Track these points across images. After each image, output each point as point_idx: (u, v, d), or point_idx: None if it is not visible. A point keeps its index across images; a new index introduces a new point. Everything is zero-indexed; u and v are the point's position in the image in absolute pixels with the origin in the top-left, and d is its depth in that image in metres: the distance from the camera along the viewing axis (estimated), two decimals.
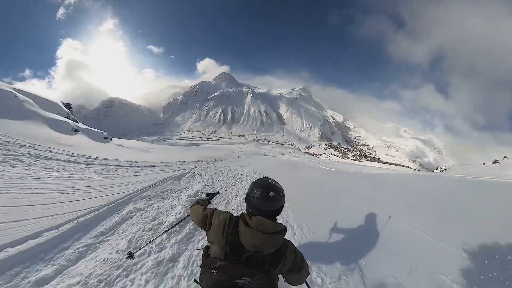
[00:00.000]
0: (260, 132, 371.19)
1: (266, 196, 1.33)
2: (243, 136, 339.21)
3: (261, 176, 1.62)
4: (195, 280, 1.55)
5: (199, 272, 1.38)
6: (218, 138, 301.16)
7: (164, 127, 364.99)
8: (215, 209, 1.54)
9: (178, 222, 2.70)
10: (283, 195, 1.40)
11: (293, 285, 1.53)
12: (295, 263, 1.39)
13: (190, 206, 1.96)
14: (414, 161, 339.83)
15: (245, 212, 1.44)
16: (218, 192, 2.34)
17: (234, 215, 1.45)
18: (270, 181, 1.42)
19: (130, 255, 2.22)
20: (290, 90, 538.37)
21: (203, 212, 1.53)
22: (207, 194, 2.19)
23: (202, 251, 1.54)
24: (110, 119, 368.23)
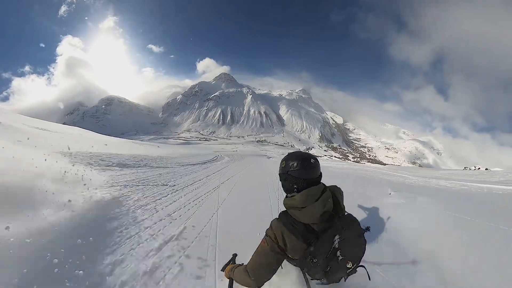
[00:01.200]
0: (259, 133, 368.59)
1: (308, 164, 1.30)
2: (243, 137, 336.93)
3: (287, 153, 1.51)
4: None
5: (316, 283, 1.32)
6: (216, 139, 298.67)
7: (162, 126, 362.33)
8: (266, 238, 1.32)
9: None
10: (318, 161, 1.38)
11: None
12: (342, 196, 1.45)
13: (232, 275, 1.51)
14: (414, 163, 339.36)
15: (285, 201, 1.34)
16: (235, 254, 1.91)
17: (277, 222, 1.30)
18: (301, 151, 1.42)
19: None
20: (290, 91, 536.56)
21: (261, 249, 1.31)
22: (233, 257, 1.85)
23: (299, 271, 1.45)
24: (109, 117, 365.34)
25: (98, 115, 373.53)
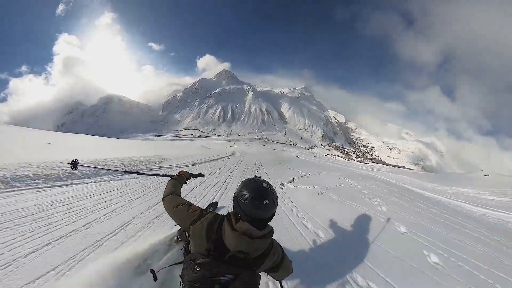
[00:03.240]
0: (261, 131, 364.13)
1: (259, 204, 1.17)
2: (243, 134, 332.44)
3: (253, 176, 1.48)
4: (151, 271, 1.43)
5: (181, 268, 1.25)
6: (212, 136, 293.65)
7: (162, 124, 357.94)
8: (201, 209, 1.39)
9: (146, 174, 2.22)
10: (277, 202, 1.24)
11: (276, 280, 1.51)
12: (275, 262, 1.34)
13: (165, 191, 1.57)
14: (417, 164, 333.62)
15: (232, 212, 1.27)
16: (202, 175, 2.05)
17: (219, 215, 1.33)
18: (264, 184, 1.23)
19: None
20: (292, 89, 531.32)
21: (189, 211, 1.36)
22: (191, 175, 1.94)
23: (181, 244, 1.42)
24: (108, 115, 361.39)
25: (97, 114, 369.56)
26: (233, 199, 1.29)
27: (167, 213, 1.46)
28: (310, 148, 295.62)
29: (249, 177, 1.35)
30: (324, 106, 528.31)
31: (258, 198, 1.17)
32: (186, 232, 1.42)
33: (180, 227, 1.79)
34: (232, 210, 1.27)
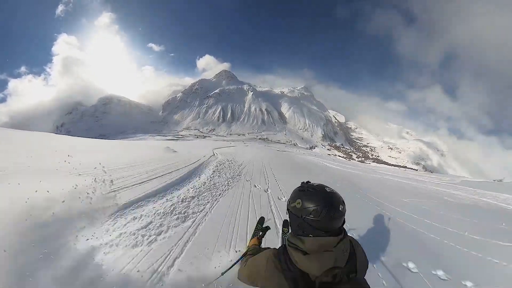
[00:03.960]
0: (261, 131, 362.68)
1: (336, 212, 0.97)
2: (243, 134, 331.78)
3: (305, 182, 1.12)
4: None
5: None
6: (210, 136, 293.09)
7: (162, 125, 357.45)
8: (249, 255, 1.29)
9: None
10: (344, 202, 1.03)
11: None
12: (363, 253, 1.13)
13: (243, 263, 1.35)
14: (418, 164, 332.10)
15: (292, 236, 1.06)
16: (268, 228, 1.89)
17: (277, 248, 1.13)
18: (327, 189, 1.02)
19: None
20: (292, 88, 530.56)
21: (246, 268, 1.19)
22: (259, 230, 1.82)
23: None
24: (108, 116, 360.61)
25: (97, 114, 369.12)
26: (291, 218, 1.08)
27: None
28: (311, 148, 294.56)
29: (297, 186, 1.09)
30: (324, 106, 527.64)
31: (332, 207, 0.97)
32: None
33: None
34: (286, 236, 1.09)
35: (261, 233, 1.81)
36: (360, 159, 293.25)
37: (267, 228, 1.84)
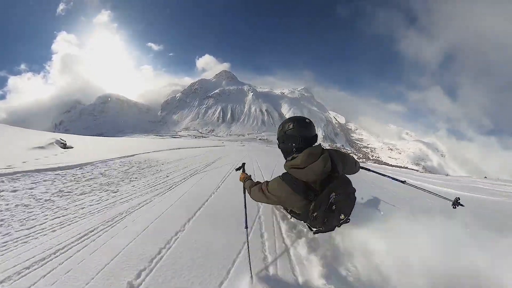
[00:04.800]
0: (261, 132, 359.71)
1: (303, 122, 1.54)
2: (243, 135, 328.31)
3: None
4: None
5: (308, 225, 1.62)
6: (208, 136, 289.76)
7: (161, 125, 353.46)
8: (266, 182, 1.65)
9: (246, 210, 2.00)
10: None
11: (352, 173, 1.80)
12: (342, 155, 1.66)
13: (247, 189, 1.91)
14: (418, 164, 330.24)
15: (285, 163, 1.56)
16: (244, 164, 2.46)
17: (281, 175, 1.54)
18: (298, 115, 1.95)
19: None
20: (292, 89, 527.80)
21: (262, 190, 1.64)
22: (238, 169, 2.43)
23: (288, 217, 1.79)
24: (106, 115, 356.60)
25: (95, 113, 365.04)
26: (279, 141, 1.65)
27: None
28: None
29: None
30: (324, 107, 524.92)
31: (300, 120, 1.56)
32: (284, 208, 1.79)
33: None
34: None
35: (241, 168, 2.41)
36: (361, 160, 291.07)
37: (243, 164, 2.44)
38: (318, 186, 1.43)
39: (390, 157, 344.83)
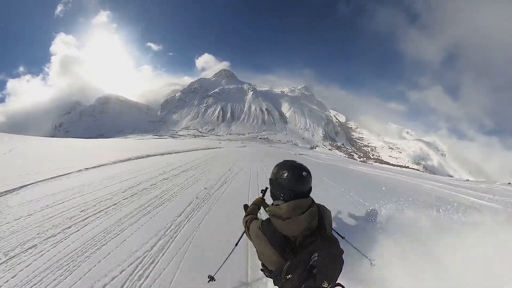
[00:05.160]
0: (261, 131, 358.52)
1: (300, 176, 1.31)
2: (243, 134, 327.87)
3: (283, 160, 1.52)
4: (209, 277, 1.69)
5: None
6: (207, 135, 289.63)
7: (161, 124, 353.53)
8: (251, 219, 1.53)
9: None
10: (311, 175, 1.37)
11: None
12: (330, 215, 1.44)
13: (246, 221, 1.63)
14: (418, 164, 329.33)
15: (270, 208, 1.36)
16: (267, 188, 2.17)
17: (261, 220, 1.41)
18: (297, 162, 1.37)
19: None
20: (292, 88, 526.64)
21: (246, 227, 1.52)
22: (261, 191, 2.24)
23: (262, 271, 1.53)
24: (106, 115, 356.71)
25: (95, 114, 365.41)
26: (270, 185, 1.44)
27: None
28: (312, 148, 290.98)
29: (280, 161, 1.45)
30: (324, 105, 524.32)
31: (296, 171, 1.32)
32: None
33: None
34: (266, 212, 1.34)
35: (262, 192, 2.26)
36: (361, 159, 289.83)
37: (266, 188, 2.19)
38: (299, 243, 1.22)
39: (390, 156, 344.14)
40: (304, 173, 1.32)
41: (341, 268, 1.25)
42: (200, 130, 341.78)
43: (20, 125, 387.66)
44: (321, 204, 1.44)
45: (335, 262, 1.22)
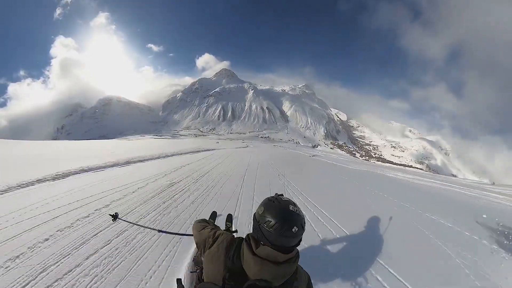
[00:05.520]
0: (262, 130, 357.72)
1: (287, 232, 0.98)
2: (244, 133, 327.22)
3: (274, 194, 1.13)
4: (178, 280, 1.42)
5: None
6: (207, 135, 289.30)
7: (162, 125, 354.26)
8: (217, 228, 1.36)
9: (180, 234, 2.24)
10: (305, 226, 1.04)
11: None
12: (309, 286, 1.17)
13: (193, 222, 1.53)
14: (421, 163, 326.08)
15: (252, 235, 1.10)
16: (229, 215, 2.09)
17: (237, 237, 1.20)
18: (291, 207, 1.03)
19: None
20: (293, 86, 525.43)
21: (207, 229, 1.29)
22: (212, 215, 2.07)
23: (195, 274, 1.36)
24: (108, 117, 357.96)
25: (96, 115, 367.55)
26: (253, 222, 1.12)
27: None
28: (314, 146, 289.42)
29: (270, 195, 1.13)
30: (326, 104, 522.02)
31: (285, 225, 0.98)
32: (202, 258, 1.26)
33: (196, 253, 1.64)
34: (251, 232, 1.11)
35: (227, 224, 2.08)
36: (363, 158, 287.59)
37: (215, 213, 2.06)
38: (251, 283, 1.00)
39: (393, 155, 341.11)
40: (294, 229, 0.99)
41: None
42: (201, 129, 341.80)
43: (22, 129, 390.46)
44: (304, 270, 1.18)
45: None
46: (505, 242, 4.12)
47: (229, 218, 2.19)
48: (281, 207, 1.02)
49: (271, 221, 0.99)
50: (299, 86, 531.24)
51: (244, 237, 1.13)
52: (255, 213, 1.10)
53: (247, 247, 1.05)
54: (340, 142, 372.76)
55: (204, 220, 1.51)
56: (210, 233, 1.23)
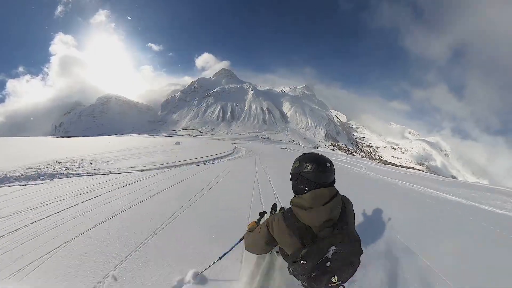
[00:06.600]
0: (262, 130, 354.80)
1: (324, 167, 1.26)
2: (243, 134, 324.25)
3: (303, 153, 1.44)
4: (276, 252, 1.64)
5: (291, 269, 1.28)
6: (205, 134, 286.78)
7: (160, 124, 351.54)
8: (262, 225, 1.46)
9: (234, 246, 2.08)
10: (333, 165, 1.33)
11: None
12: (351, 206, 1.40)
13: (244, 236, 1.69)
14: (421, 164, 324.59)
15: (292, 199, 1.33)
16: (265, 212, 2.23)
17: (280, 213, 1.37)
18: (318, 154, 1.34)
19: None
20: (293, 87, 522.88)
21: (256, 229, 1.48)
22: (260, 214, 2.20)
23: (279, 253, 1.55)
24: (106, 116, 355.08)
25: (95, 114, 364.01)
26: (292, 180, 1.36)
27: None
28: (314, 147, 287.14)
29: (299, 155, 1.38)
30: (326, 105, 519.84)
31: (321, 162, 1.27)
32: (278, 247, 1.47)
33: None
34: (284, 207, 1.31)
35: (258, 217, 2.20)
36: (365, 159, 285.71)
37: (264, 212, 2.19)
38: (320, 232, 1.21)
39: (393, 157, 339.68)
40: (328, 165, 1.28)
41: (356, 269, 1.24)
42: (200, 129, 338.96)
43: (19, 126, 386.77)
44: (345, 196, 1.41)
45: (350, 262, 1.20)
46: None
47: (274, 207, 2.36)
48: (311, 155, 1.34)
49: (308, 165, 1.27)
50: (299, 87, 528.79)
51: (281, 212, 1.37)
52: (292, 170, 1.37)
53: (298, 208, 1.26)
54: (340, 143, 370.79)
55: (250, 230, 1.68)
56: (261, 227, 1.41)
